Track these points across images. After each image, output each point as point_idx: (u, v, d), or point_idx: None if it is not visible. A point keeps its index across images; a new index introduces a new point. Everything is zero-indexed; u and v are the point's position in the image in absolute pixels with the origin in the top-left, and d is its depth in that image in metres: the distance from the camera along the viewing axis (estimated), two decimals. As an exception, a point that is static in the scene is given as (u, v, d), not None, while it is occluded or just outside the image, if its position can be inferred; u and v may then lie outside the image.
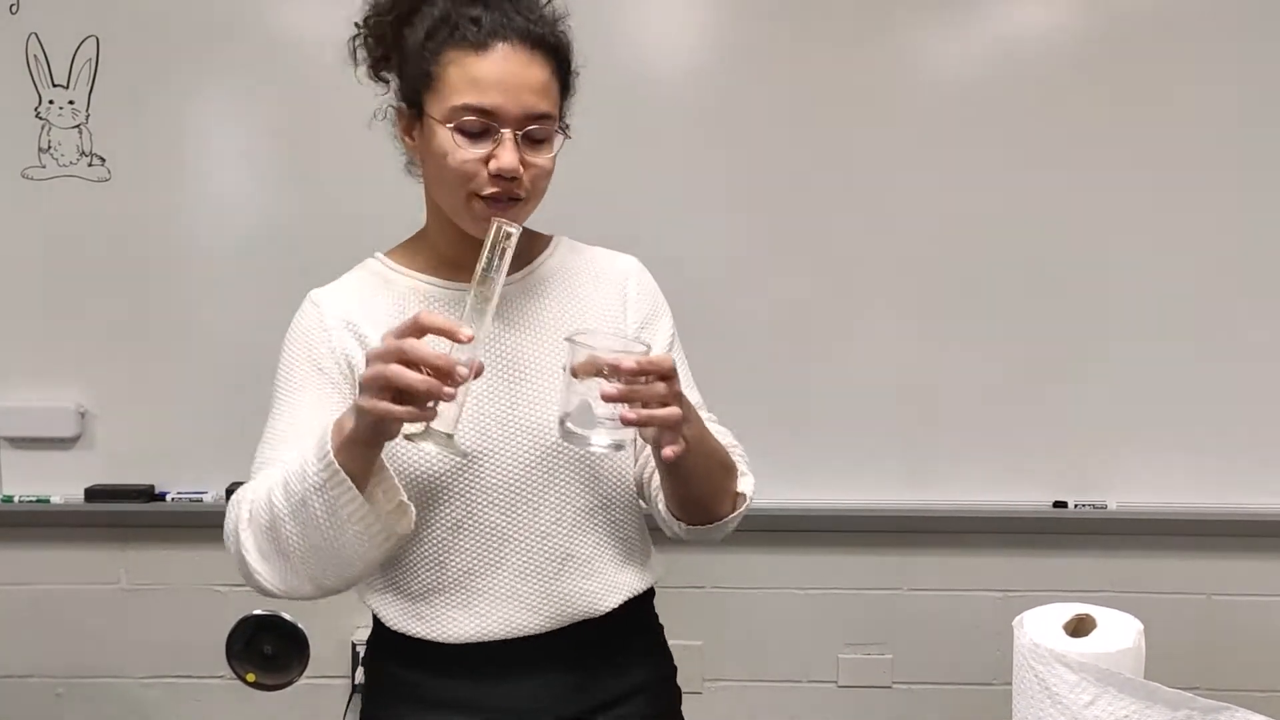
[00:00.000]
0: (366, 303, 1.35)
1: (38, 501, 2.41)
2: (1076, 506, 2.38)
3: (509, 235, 1.12)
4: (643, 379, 1.11)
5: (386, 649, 1.38)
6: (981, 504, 2.39)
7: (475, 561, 1.31)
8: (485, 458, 1.29)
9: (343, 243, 2.31)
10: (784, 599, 2.47)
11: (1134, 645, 0.89)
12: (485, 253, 1.12)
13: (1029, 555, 2.41)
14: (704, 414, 1.36)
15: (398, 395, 1.07)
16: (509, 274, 1.21)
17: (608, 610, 1.35)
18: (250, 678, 2.44)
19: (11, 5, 2.30)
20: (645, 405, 1.11)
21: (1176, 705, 0.79)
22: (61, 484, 2.41)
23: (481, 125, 1.23)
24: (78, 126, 2.33)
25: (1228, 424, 2.36)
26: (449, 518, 1.30)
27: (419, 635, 1.33)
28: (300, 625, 2.44)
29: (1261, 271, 2.33)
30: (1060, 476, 2.38)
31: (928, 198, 2.33)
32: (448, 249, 1.34)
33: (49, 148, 2.33)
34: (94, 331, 2.39)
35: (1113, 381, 2.35)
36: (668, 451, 1.14)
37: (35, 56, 2.31)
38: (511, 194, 1.25)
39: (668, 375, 1.13)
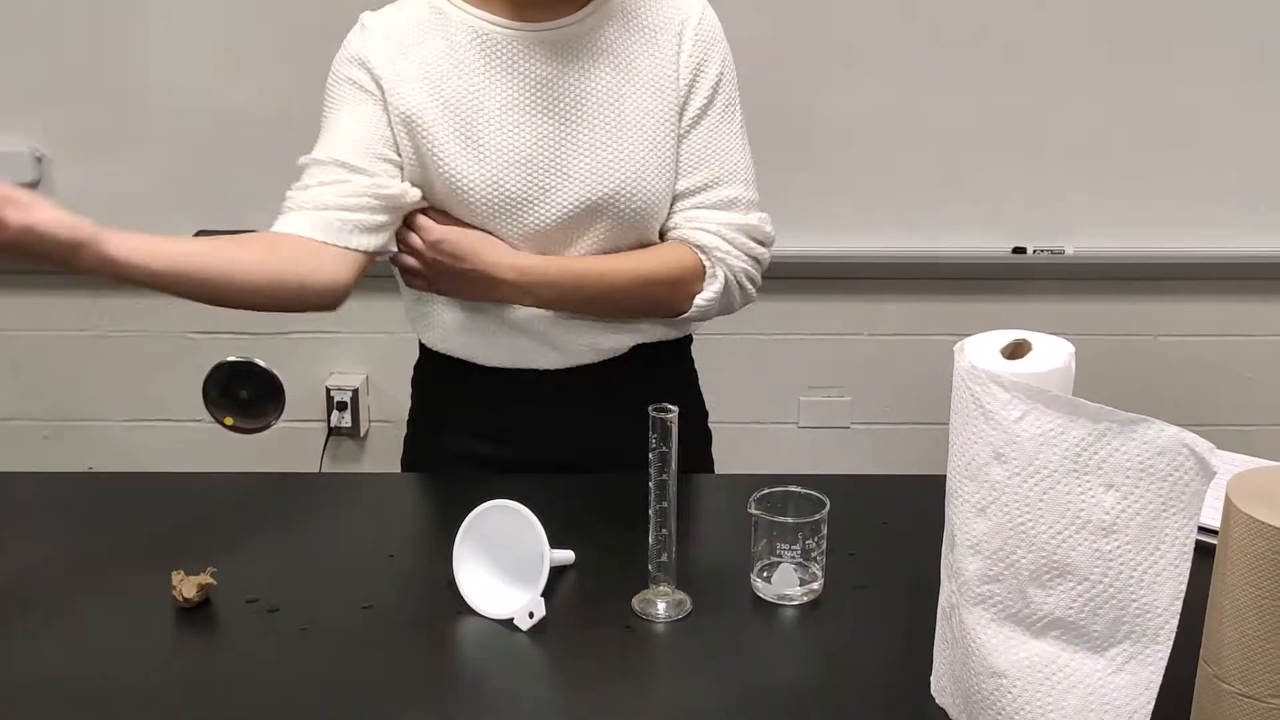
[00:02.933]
0: (418, 41, 1.32)
1: (3, 249, 2.41)
2: (1035, 252, 2.43)
3: (668, 419, 1.07)
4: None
5: (426, 371, 1.48)
6: (942, 250, 2.42)
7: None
8: (529, 203, 1.31)
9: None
10: (747, 344, 2.52)
11: (1064, 365, 0.93)
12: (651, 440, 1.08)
13: (987, 300, 2.46)
14: (739, 185, 1.38)
15: None
16: (573, 9, 1.28)
17: (629, 348, 1.40)
18: (228, 422, 2.51)
19: None
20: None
21: (1098, 418, 0.84)
22: (25, 232, 2.41)
23: None
24: None
25: (1182, 170, 2.37)
26: None
27: (455, 355, 1.41)
28: (274, 372, 2.50)
29: (1219, 15, 2.29)
30: (1020, 222, 2.41)
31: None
32: None
33: None
34: (47, 73, 2.31)
35: (1072, 128, 2.34)
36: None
37: None
38: None
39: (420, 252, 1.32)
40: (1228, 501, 0.86)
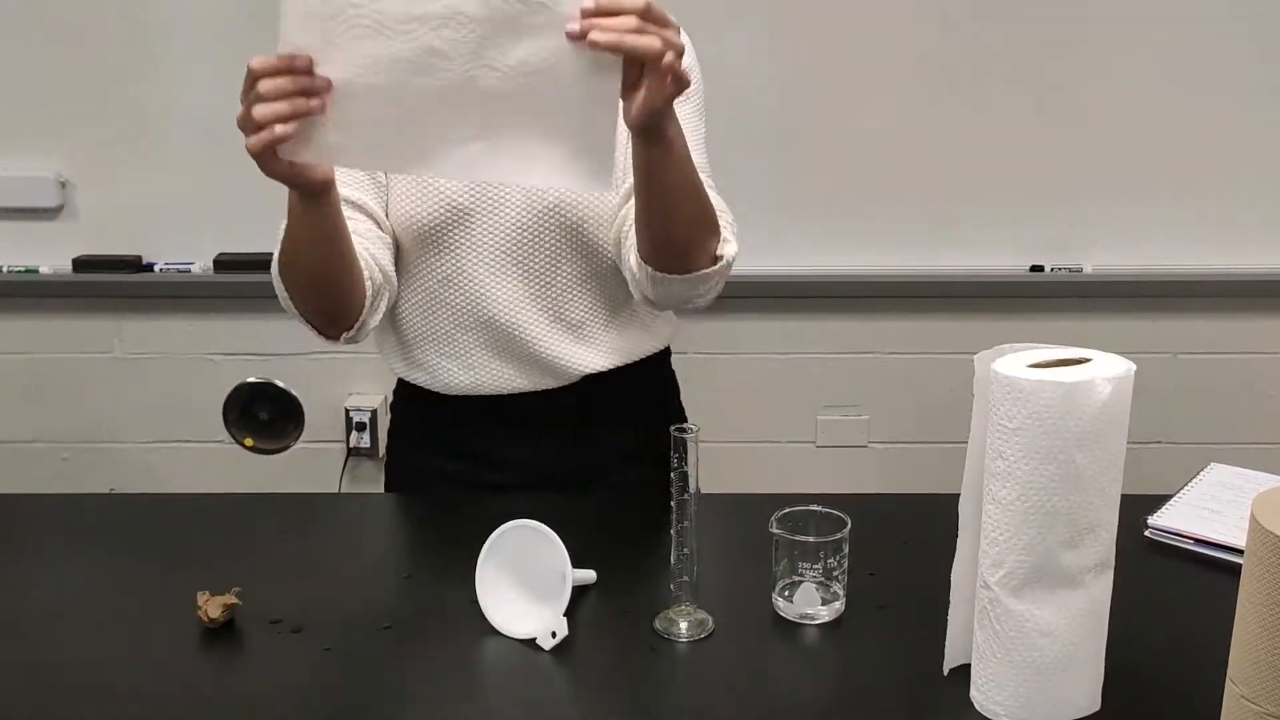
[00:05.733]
0: None
1: (26, 271, 2.43)
2: (1053, 270, 2.42)
3: (688, 438, 1.07)
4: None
5: (404, 396, 1.48)
6: (960, 268, 2.42)
7: (463, 316, 1.36)
8: (476, 215, 1.32)
9: None
10: (764, 363, 2.53)
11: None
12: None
13: (1005, 318, 2.46)
14: (706, 179, 1.27)
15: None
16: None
17: (600, 370, 1.40)
18: (248, 443, 2.53)
19: None
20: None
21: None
22: (48, 255, 2.43)
23: None
24: None
25: (1201, 187, 2.37)
26: (439, 270, 1.34)
27: (421, 384, 1.40)
28: (294, 393, 2.51)
29: (1238, 33, 2.29)
30: (1038, 240, 2.41)
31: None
32: None
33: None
34: (69, 99, 2.34)
35: (1090, 146, 2.35)
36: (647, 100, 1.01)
37: None
38: None
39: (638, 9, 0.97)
40: (1252, 520, 0.86)
